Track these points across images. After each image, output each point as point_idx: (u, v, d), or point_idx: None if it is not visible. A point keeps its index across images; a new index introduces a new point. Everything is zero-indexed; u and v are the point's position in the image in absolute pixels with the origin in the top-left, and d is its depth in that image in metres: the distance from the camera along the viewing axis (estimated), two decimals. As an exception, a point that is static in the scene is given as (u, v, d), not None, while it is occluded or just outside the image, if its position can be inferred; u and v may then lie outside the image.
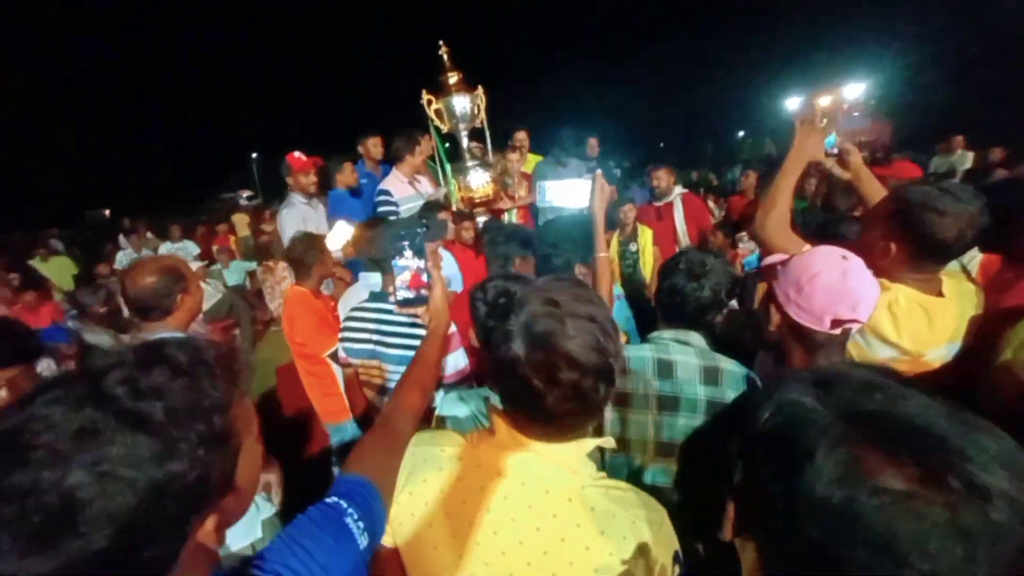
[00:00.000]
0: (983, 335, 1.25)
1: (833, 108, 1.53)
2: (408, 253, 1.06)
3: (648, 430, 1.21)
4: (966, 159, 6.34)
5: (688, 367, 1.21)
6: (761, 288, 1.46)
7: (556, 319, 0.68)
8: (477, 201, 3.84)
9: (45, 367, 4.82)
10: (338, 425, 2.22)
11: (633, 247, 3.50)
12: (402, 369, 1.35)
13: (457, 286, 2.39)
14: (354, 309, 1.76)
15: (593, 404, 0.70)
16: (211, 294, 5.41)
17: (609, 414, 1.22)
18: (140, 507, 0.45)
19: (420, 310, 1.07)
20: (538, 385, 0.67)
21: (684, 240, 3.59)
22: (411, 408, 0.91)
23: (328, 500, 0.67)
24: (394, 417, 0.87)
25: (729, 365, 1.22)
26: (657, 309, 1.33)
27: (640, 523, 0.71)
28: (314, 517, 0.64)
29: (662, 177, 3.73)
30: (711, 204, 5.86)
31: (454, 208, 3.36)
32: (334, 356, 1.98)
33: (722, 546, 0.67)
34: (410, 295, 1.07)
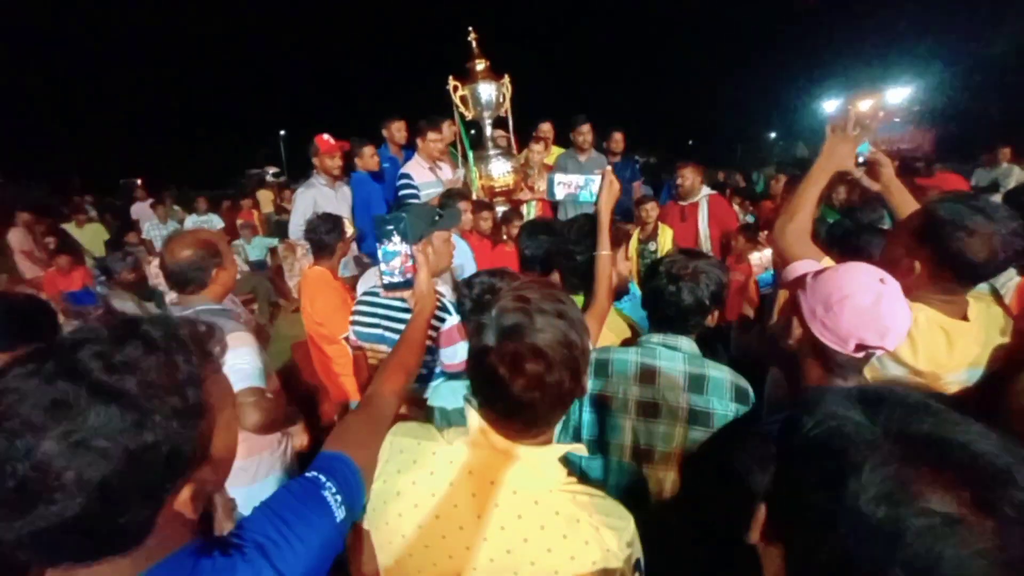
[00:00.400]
0: (1008, 363, 1.20)
1: (869, 114, 1.46)
2: (396, 238, 1.09)
3: (626, 435, 1.20)
4: (1012, 173, 5.99)
5: (672, 373, 1.19)
6: (781, 296, 1.42)
7: (524, 313, 0.71)
8: (497, 191, 3.83)
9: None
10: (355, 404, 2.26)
11: (652, 247, 3.45)
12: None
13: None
14: (365, 294, 1.78)
15: (559, 397, 0.72)
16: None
17: (587, 415, 1.22)
18: (113, 476, 0.47)
19: (407, 293, 1.11)
20: (504, 375, 0.69)
21: (706, 244, 3.45)
22: (394, 388, 0.93)
23: (308, 475, 0.69)
24: (377, 397, 0.89)
25: (717, 372, 1.20)
26: (648, 312, 1.32)
27: (604, 529, 0.72)
28: (293, 490, 0.67)
29: (687, 175, 3.55)
30: (736, 207, 5.72)
31: (474, 197, 3.35)
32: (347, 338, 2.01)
33: (697, 552, 0.67)
34: (397, 279, 1.10)
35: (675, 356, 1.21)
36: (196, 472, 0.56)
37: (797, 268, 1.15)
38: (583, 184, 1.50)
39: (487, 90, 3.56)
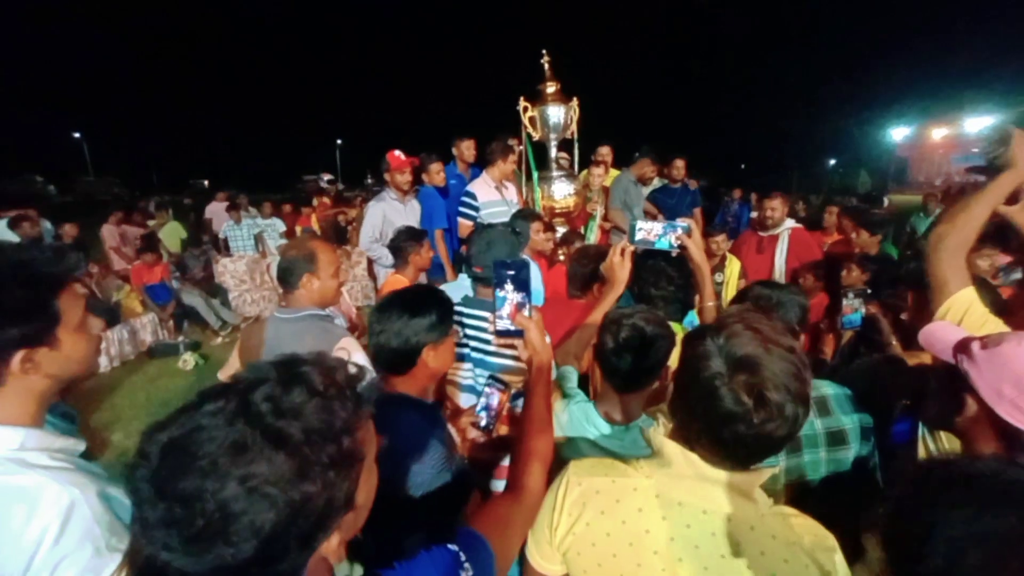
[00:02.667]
0: None
1: None
2: (509, 285, 1.03)
3: (779, 477, 1.16)
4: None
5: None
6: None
7: (760, 344, 0.69)
8: (558, 211, 3.83)
9: (146, 322, 5.31)
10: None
11: (719, 278, 3.33)
12: (487, 374, 1.37)
13: (540, 299, 2.38)
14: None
15: (792, 431, 0.69)
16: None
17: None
18: (278, 524, 0.48)
19: (518, 343, 1.05)
20: (743, 405, 0.67)
21: (780, 279, 3.25)
22: (541, 466, 0.88)
23: (450, 547, 0.67)
24: (527, 493, 0.84)
25: (830, 389, 1.22)
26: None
27: (819, 552, 0.71)
28: (434, 558, 0.66)
29: (776, 207, 3.32)
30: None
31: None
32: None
33: None
34: (509, 327, 1.04)
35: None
36: (343, 519, 0.56)
37: (938, 334, 1.03)
38: (662, 232, 1.51)
39: (556, 112, 3.59)
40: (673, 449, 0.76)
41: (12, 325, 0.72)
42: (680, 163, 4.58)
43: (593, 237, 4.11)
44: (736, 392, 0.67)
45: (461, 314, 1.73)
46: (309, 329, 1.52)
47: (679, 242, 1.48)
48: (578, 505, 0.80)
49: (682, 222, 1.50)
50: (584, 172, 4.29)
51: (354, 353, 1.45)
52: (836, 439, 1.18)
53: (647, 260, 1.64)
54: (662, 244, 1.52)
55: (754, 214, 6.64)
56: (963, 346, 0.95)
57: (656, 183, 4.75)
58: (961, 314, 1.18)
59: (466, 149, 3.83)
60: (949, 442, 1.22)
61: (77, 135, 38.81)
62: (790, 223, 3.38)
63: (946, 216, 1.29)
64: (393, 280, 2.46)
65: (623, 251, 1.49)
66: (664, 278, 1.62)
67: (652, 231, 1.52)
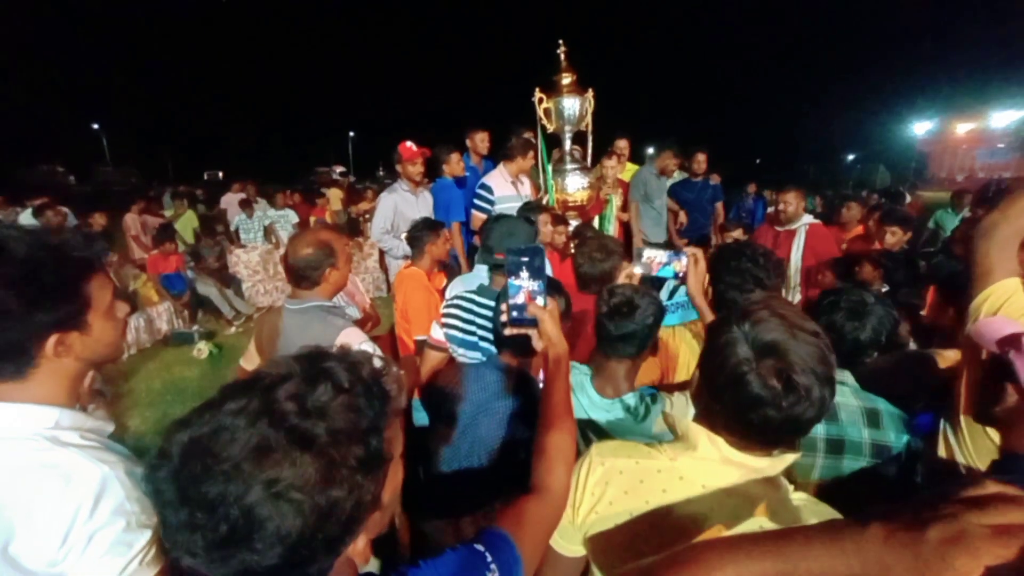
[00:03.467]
0: None
1: None
2: (524, 273, 1.00)
3: (813, 472, 1.18)
4: None
5: (849, 409, 1.18)
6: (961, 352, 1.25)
7: (785, 330, 0.70)
8: (571, 205, 3.80)
9: (162, 310, 5.38)
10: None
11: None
12: None
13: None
14: (461, 298, 1.77)
15: (820, 412, 0.69)
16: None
17: None
18: (305, 529, 0.47)
19: (532, 332, 1.01)
20: (771, 389, 0.67)
21: (794, 277, 3.21)
22: (565, 466, 0.84)
23: (477, 547, 0.66)
24: (551, 494, 0.81)
25: (886, 406, 1.21)
26: None
27: None
28: (461, 558, 0.64)
29: (791, 200, 3.28)
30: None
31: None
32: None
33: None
34: (523, 316, 1.01)
35: (844, 391, 1.21)
36: (370, 519, 0.55)
37: (992, 326, 0.99)
38: (666, 260, 1.53)
39: (571, 104, 3.55)
40: (698, 432, 0.76)
41: (46, 309, 0.73)
42: (702, 157, 4.51)
43: (611, 228, 4.07)
44: (764, 377, 0.68)
45: (473, 302, 1.72)
46: (313, 320, 1.53)
47: (683, 271, 1.51)
48: (601, 484, 0.81)
49: (686, 250, 1.53)
50: (599, 165, 4.25)
51: (357, 344, 1.45)
52: (880, 453, 1.17)
53: (730, 262, 1.55)
54: (666, 272, 1.54)
55: (771, 209, 6.55)
56: (1012, 339, 0.92)
57: (677, 176, 4.69)
58: (1001, 303, 1.15)
59: (480, 141, 3.80)
60: (971, 436, 1.20)
61: (96, 126, 39.46)
62: (807, 218, 3.31)
63: (1000, 206, 1.24)
64: (408, 272, 2.44)
65: (629, 276, 1.53)
66: (750, 279, 1.51)
67: (656, 259, 1.54)
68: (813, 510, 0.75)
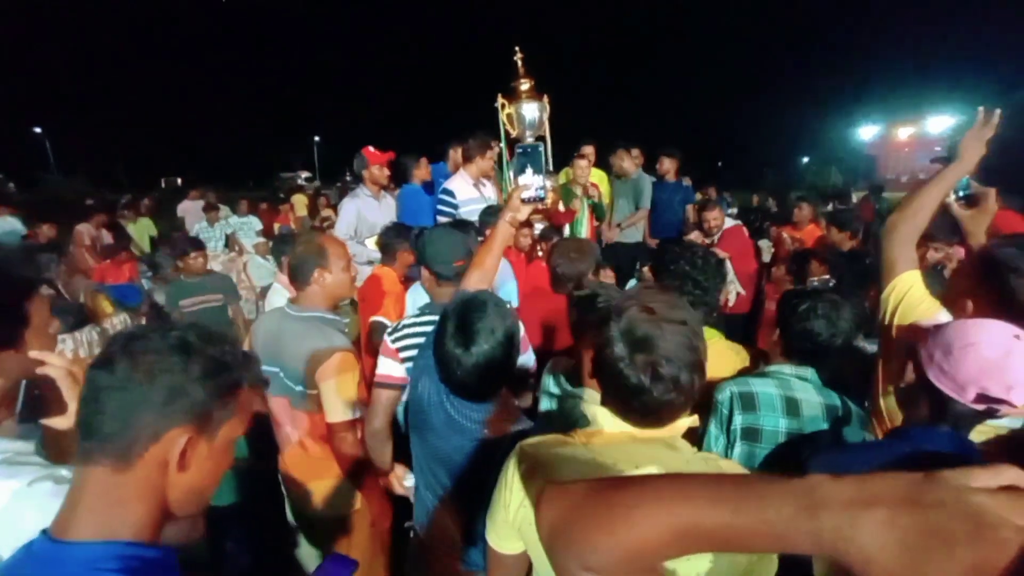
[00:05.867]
0: None
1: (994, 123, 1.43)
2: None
3: (776, 466, 1.25)
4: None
5: (812, 404, 1.26)
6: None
7: (654, 324, 0.78)
8: (536, 209, 3.87)
9: (117, 323, 5.17)
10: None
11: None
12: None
13: (513, 295, 2.42)
14: (408, 326, 1.60)
15: (691, 394, 0.80)
16: (270, 271, 5.70)
17: (739, 448, 1.27)
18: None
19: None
20: (643, 382, 0.77)
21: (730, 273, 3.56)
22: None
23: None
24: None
25: (845, 403, 1.28)
26: (780, 342, 1.38)
27: None
28: None
29: (715, 218, 3.70)
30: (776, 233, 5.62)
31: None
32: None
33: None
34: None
35: (807, 387, 1.29)
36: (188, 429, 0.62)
37: (926, 323, 1.14)
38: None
39: (531, 110, 3.63)
40: (605, 416, 0.85)
41: None
42: (667, 160, 4.69)
43: (584, 231, 4.17)
44: (636, 371, 0.77)
45: (424, 324, 1.56)
46: (312, 331, 1.53)
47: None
48: (528, 478, 0.85)
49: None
50: (565, 169, 4.34)
51: (348, 373, 1.50)
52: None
53: (670, 265, 1.62)
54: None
55: (732, 210, 6.83)
56: (923, 330, 1.04)
57: (636, 176, 4.82)
58: (903, 293, 1.31)
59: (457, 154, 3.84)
60: (890, 420, 1.33)
61: (38, 130, 37.27)
62: (728, 223, 3.69)
63: (899, 206, 1.42)
64: (380, 271, 2.46)
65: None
66: (689, 281, 1.58)
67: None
68: (720, 464, 0.85)
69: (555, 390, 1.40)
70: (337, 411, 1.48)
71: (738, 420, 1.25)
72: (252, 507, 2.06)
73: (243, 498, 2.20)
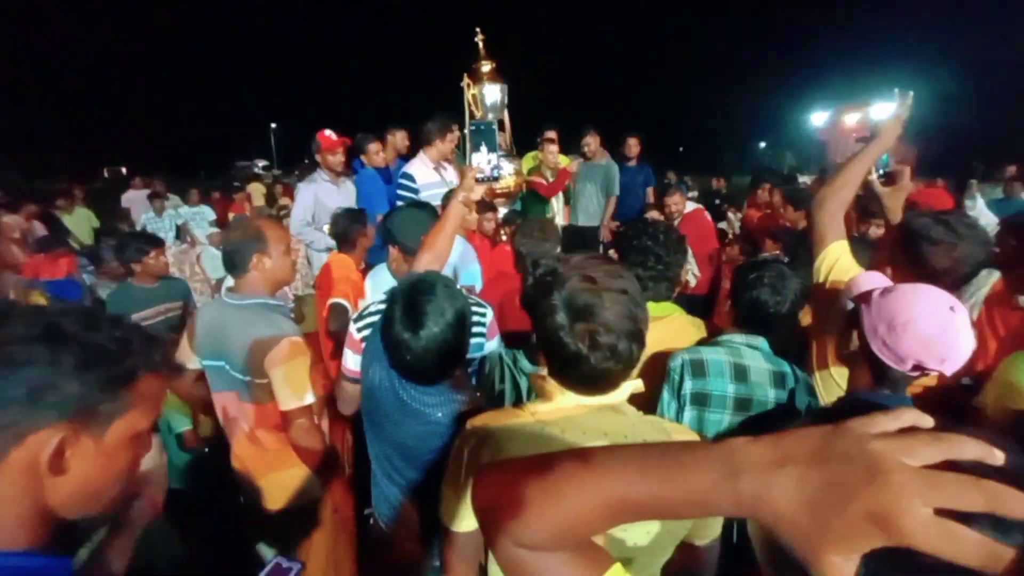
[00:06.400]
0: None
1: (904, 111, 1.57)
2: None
3: (721, 427, 1.31)
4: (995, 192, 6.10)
5: (760, 371, 1.31)
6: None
7: (593, 293, 0.78)
8: (499, 192, 3.85)
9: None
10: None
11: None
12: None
13: (477, 279, 2.40)
14: (373, 314, 1.56)
15: (629, 362, 0.81)
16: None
17: (689, 413, 1.31)
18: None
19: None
20: (582, 350, 0.78)
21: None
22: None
23: None
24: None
25: (792, 370, 1.33)
26: (731, 313, 1.44)
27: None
28: None
29: (676, 203, 3.75)
30: (731, 215, 5.79)
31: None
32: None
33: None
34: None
35: (757, 355, 1.33)
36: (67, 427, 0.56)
37: (861, 283, 1.18)
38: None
39: (493, 92, 3.59)
40: (552, 387, 0.85)
41: None
42: (632, 141, 4.69)
43: (560, 220, 4.18)
44: (575, 339, 0.78)
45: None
46: (257, 318, 1.47)
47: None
48: (475, 454, 0.86)
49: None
50: (531, 153, 4.30)
51: (298, 358, 1.44)
52: (785, 412, 1.30)
53: (632, 241, 1.62)
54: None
55: (692, 193, 6.99)
56: (867, 294, 1.09)
57: (605, 162, 4.85)
58: (833, 262, 1.40)
59: (400, 139, 3.75)
60: (823, 383, 1.41)
61: (-40, 116, 34.04)
62: (691, 206, 3.75)
63: (827, 181, 1.51)
64: (337, 259, 2.39)
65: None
66: (652, 256, 1.58)
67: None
68: (663, 426, 0.87)
69: (511, 366, 1.40)
70: (290, 398, 1.42)
71: (688, 385, 1.29)
72: (209, 498, 2.00)
73: (199, 489, 2.13)
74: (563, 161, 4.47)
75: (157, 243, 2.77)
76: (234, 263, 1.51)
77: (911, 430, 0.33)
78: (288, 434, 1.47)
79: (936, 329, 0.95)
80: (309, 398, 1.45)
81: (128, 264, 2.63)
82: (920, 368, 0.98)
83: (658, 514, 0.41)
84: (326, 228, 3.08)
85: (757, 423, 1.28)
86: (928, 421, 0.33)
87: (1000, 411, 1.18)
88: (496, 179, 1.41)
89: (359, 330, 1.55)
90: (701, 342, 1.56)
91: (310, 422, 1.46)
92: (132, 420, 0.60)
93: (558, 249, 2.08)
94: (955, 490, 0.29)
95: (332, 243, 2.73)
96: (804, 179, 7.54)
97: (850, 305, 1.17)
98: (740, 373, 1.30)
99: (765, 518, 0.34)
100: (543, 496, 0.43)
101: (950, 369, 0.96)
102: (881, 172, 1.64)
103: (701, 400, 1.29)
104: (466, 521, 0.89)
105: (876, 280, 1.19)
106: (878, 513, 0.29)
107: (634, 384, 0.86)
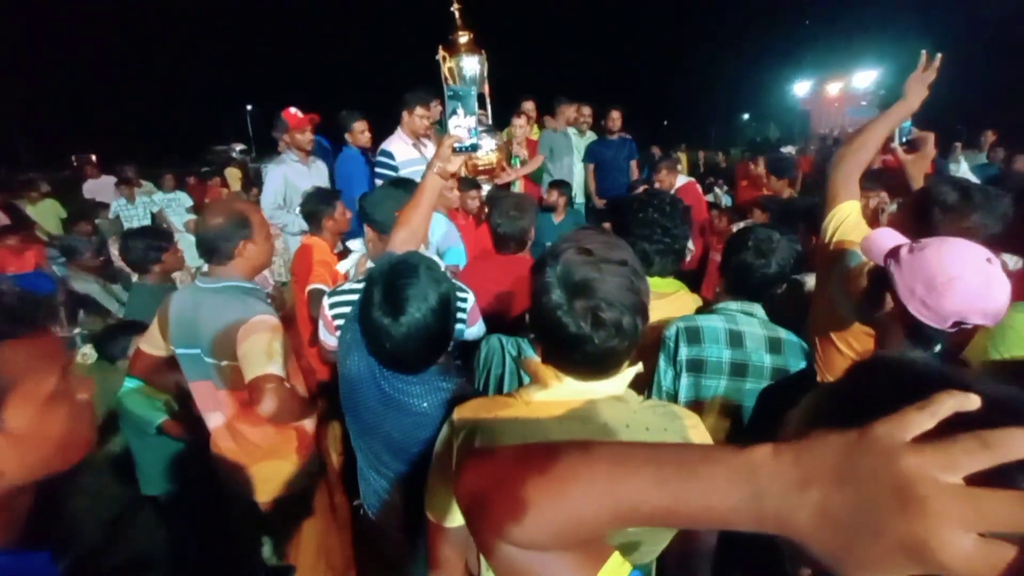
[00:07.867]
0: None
1: (935, 67, 1.50)
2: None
3: (717, 391, 1.30)
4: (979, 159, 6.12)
5: (755, 337, 1.30)
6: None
7: (591, 266, 0.73)
8: (481, 169, 3.76)
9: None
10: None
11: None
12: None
13: (461, 258, 2.35)
14: (349, 291, 1.54)
15: (635, 338, 0.75)
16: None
17: (685, 379, 1.30)
18: None
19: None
20: (583, 329, 0.72)
21: None
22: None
23: None
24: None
25: (788, 335, 1.33)
26: (723, 280, 1.43)
27: (687, 431, 0.82)
28: None
29: (664, 178, 3.64)
30: (717, 190, 5.77)
31: (461, 175, 3.27)
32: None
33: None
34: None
35: (752, 321, 1.33)
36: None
37: (878, 240, 1.12)
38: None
39: (471, 63, 3.46)
40: (547, 373, 0.80)
41: None
42: (616, 114, 4.56)
43: (518, 188, 4.10)
44: (576, 318, 0.72)
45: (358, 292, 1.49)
46: (231, 300, 1.40)
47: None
48: (465, 447, 0.81)
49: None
50: (508, 128, 4.21)
51: (263, 332, 1.36)
52: (779, 376, 1.30)
53: (638, 214, 1.54)
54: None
55: (680, 166, 6.94)
56: (895, 251, 1.05)
57: (590, 136, 4.76)
58: (842, 220, 1.39)
59: (360, 133, 3.58)
60: (823, 351, 1.40)
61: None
62: (681, 180, 3.67)
63: (846, 141, 1.49)
64: (309, 242, 2.31)
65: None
66: (659, 229, 1.50)
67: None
68: (662, 412, 0.83)
69: (511, 351, 1.34)
70: (255, 366, 1.31)
71: (683, 352, 1.28)
72: (198, 495, 1.96)
73: (186, 486, 2.09)
74: (535, 134, 4.38)
75: (167, 237, 2.53)
76: (215, 250, 1.42)
77: (949, 435, 0.28)
78: (258, 406, 1.32)
79: (980, 284, 0.92)
80: (276, 368, 1.33)
81: (145, 266, 2.40)
82: (960, 324, 0.96)
83: (671, 524, 0.39)
84: (298, 210, 2.98)
85: (766, 394, 1.28)
86: (974, 402, 0.30)
87: (988, 364, 1.18)
88: (476, 149, 1.29)
89: (332, 307, 1.49)
90: (697, 311, 1.54)
91: (278, 383, 1.33)
92: (29, 390, 0.56)
93: (533, 227, 2.02)
94: (1004, 511, 0.25)
95: (306, 226, 2.64)
96: (788, 149, 7.55)
97: (868, 264, 1.14)
98: (735, 339, 1.29)
99: (790, 536, 0.33)
100: (542, 495, 0.40)
101: (993, 321, 0.94)
102: (904, 139, 1.60)
103: (697, 366, 1.29)
104: (456, 516, 0.85)
105: (891, 237, 1.12)
106: (913, 546, 0.27)
107: (635, 370, 0.82)
